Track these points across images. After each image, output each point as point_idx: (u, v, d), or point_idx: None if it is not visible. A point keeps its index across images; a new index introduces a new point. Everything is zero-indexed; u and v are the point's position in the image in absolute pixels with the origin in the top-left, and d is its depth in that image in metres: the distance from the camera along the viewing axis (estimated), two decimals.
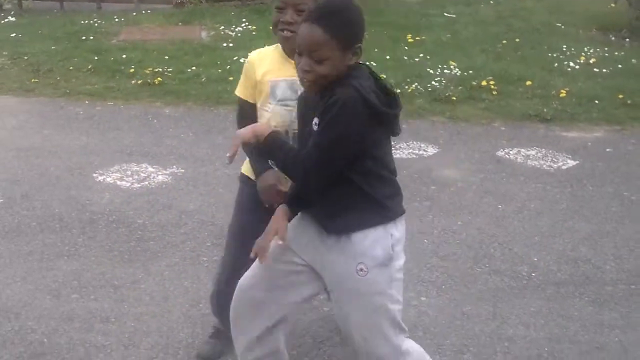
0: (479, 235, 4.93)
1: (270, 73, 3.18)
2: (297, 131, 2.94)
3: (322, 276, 2.82)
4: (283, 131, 3.05)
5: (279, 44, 3.22)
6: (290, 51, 3.07)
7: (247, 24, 10.23)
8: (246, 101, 3.28)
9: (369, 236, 2.69)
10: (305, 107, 2.80)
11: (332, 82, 2.62)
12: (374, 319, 2.76)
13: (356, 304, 2.75)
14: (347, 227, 2.70)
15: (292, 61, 2.80)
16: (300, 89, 2.87)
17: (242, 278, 2.97)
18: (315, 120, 2.62)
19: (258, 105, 3.23)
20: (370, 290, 2.72)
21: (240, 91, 3.32)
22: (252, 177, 3.29)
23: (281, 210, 2.83)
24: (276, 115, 3.15)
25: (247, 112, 3.26)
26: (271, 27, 3.27)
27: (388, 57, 8.85)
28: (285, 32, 3.10)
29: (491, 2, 11.88)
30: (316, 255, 2.80)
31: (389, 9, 11.40)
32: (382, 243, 2.70)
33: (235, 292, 2.97)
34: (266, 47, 3.35)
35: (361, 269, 2.69)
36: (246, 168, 3.40)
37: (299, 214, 2.87)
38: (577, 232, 4.99)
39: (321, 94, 2.64)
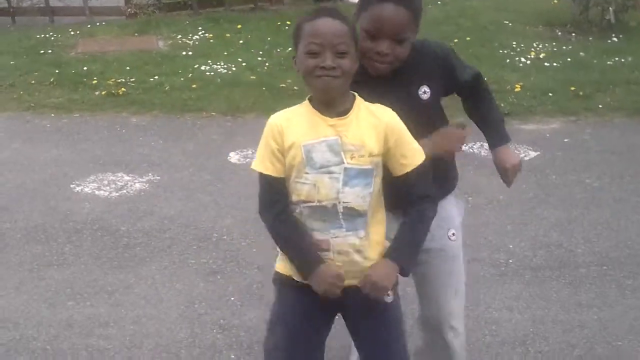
0: None
1: (303, 136, 2.49)
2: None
3: None
4: (330, 205, 2.47)
5: (306, 102, 2.55)
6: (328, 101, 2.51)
7: (203, 32, 10.33)
8: (272, 177, 2.52)
9: (450, 202, 2.98)
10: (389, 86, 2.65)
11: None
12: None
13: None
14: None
15: (326, 117, 2.48)
16: (342, 150, 2.45)
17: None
18: (425, 88, 2.75)
19: (291, 179, 2.52)
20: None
21: (261, 165, 2.54)
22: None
23: None
24: (319, 186, 2.47)
25: (276, 190, 2.54)
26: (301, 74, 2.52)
27: None
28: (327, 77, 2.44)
29: (439, 2, 12.13)
30: None
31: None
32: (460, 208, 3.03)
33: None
34: (291, 107, 2.59)
35: (453, 234, 2.97)
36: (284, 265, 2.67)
37: None
38: (546, 219, 5.22)
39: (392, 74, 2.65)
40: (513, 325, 4.00)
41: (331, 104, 2.49)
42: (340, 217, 2.47)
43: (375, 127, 2.49)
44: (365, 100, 2.55)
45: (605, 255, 4.72)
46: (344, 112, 2.49)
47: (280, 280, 2.65)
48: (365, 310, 2.59)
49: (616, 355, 3.77)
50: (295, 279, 2.57)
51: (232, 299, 4.28)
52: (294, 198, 2.50)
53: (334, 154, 2.45)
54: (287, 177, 2.51)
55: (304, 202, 2.48)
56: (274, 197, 2.54)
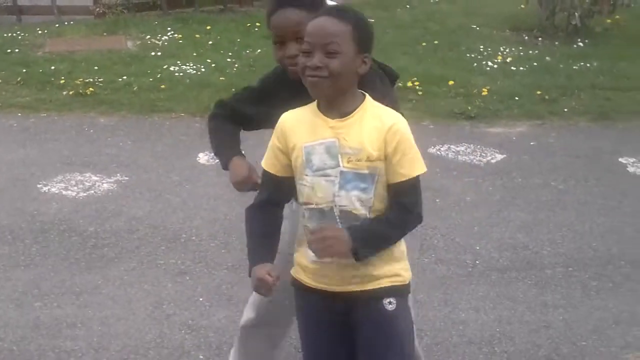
0: (421, 227, 5.07)
1: (305, 137, 2.47)
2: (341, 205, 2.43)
3: None
4: (327, 209, 2.44)
5: (314, 103, 2.50)
6: (320, 97, 2.48)
7: (172, 32, 10.27)
8: (268, 172, 2.56)
9: None
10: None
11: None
12: None
13: None
14: None
15: (327, 118, 2.43)
16: (340, 153, 2.41)
17: None
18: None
19: (296, 180, 2.52)
20: None
21: (264, 159, 2.59)
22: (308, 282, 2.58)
23: None
24: (316, 189, 2.45)
25: (267, 185, 2.60)
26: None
27: None
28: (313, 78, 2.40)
29: (407, 6, 12.19)
30: None
31: None
32: None
33: None
34: (304, 106, 2.54)
35: None
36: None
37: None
38: (512, 221, 5.28)
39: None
40: (479, 326, 4.05)
41: (333, 105, 2.43)
42: (338, 220, 2.43)
43: (377, 130, 2.40)
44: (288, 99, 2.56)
45: (570, 257, 4.79)
46: (348, 114, 2.42)
47: (292, 283, 2.62)
48: (366, 317, 2.53)
49: (581, 355, 3.83)
50: (301, 281, 2.58)
51: (201, 299, 4.28)
52: (300, 199, 2.49)
53: (330, 157, 2.41)
54: (295, 177, 2.50)
55: (305, 204, 2.46)
56: (263, 189, 2.59)
